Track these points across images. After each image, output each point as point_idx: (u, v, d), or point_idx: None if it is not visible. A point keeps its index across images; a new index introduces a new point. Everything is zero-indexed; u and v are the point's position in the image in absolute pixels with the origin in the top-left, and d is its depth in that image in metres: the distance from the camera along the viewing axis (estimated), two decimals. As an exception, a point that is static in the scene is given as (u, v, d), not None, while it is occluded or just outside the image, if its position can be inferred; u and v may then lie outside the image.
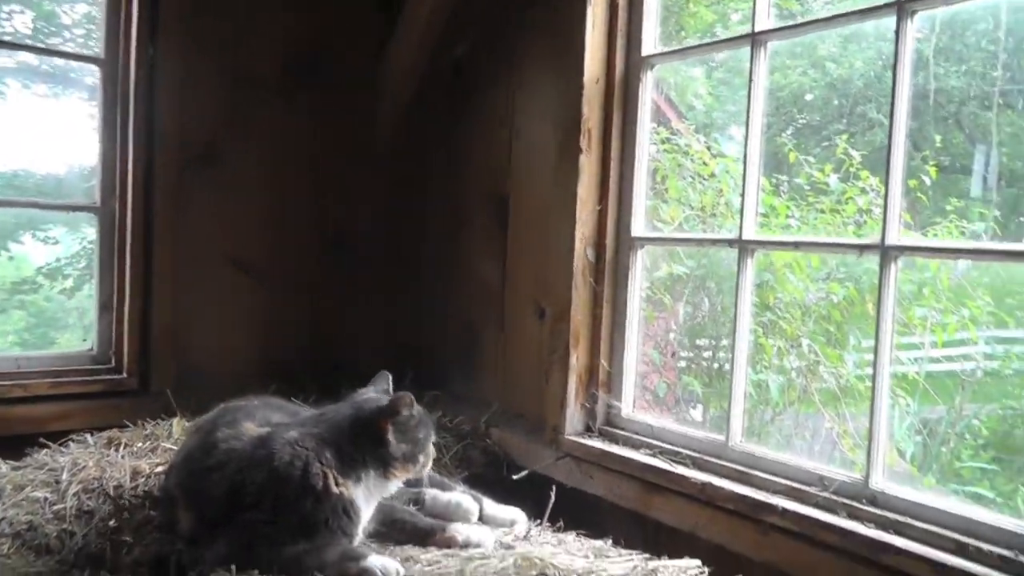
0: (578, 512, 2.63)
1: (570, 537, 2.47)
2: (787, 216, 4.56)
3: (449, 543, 2.30)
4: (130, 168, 3.22)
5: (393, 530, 2.32)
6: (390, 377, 2.41)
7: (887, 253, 2.17)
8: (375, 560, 2.09)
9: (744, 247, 2.52)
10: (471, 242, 3.49)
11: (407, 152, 3.74)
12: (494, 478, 2.94)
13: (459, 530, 2.32)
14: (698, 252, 3.79)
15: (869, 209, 4.54)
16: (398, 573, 2.08)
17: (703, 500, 2.47)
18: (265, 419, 2.35)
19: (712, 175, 4.61)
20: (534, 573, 2.12)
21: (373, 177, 3.69)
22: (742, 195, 2.52)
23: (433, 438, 2.31)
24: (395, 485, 2.26)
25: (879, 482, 2.21)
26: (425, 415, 2.32)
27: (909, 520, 2.10)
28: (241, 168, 3.45)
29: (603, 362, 2.90)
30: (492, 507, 2.54)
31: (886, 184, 2.16)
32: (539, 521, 2.56)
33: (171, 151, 3.26)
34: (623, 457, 2.70)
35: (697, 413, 4.69)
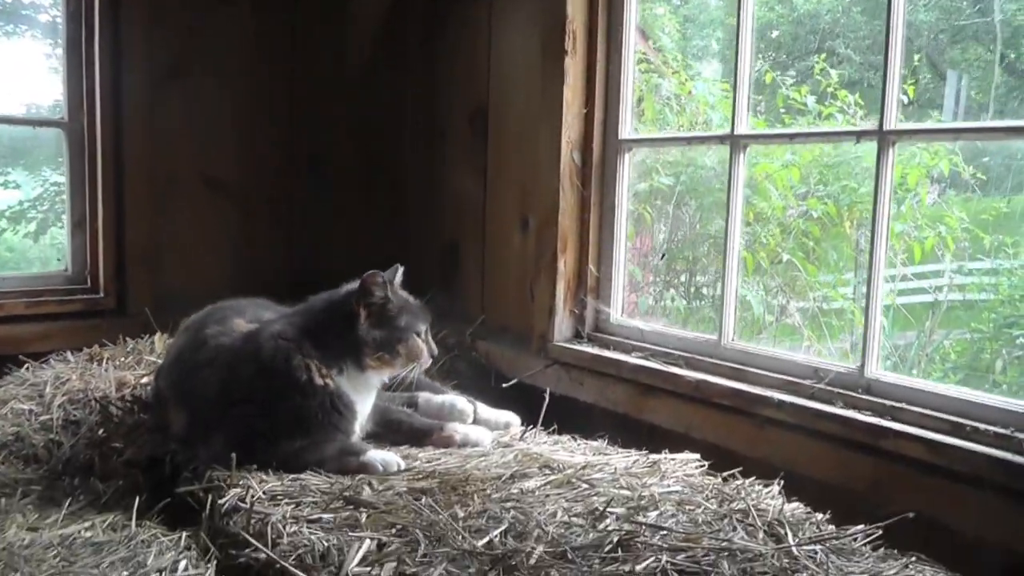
0: (569, 419, 2.62)
1: (565, 438, 2.47)
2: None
3: (447, 442, 2.28)
4: (97, 85, 3.10)
5: (389, 431, 2.30)
6: (401, 269, 2.35)
7: (885, 138, 2.15)
8: (375, 454, 2.07)
9: (736, 143, 2.49)
10: (451, 156, 3.42)
11: (384, 67, 3.64)
12: (482, 389, 2.92)
13: (457, 429, 2.31)
14: (681, 161, 3.75)
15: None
16: (399, 467, 2.07)
17: (698, 399, 2.47)
18: (256, 316, 2.31)
19: (690, 94, 4.56)
20: (536, 467, 2.12)
21: (349, 94, 3.58)
22: (733, 88, 2.48)
23: (423, 331, 2.25)
24: (376, 378, 2.21)
25: (874, 370, 2.22)
26: (414, 304, 2.27)
27: (904, 405, 2.11)
28: (212, 86, 3.34)
29: (591, 267, 2.87)
30: (486, 410, 2.52)
31: (884, 68, 2.13)
32: (532, 425, 2.56)
33: (139, 69, 3.14)
34: (615, 360, 2.69)
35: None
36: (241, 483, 1.92)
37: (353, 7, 3.58)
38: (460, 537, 1.68)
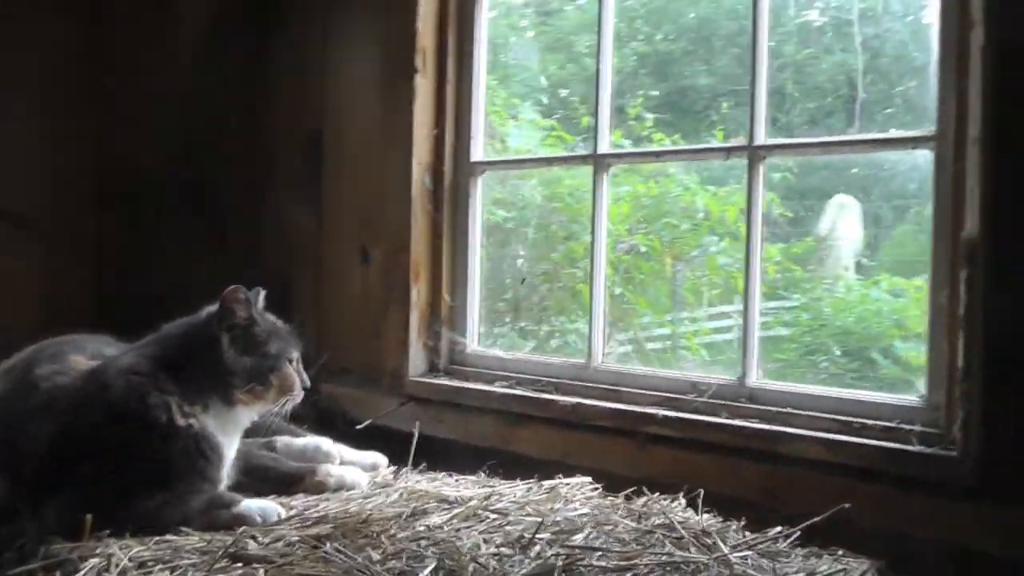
0: (430, 458, 2.41)
1: (441, 475, 2.27)
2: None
3: (320, 487, 2.01)
4: None
5: (254, 479, 1.99)
6: (263, 293, 2.07)
7: (755, 153, 2.20)
8: (251, 504, 1.78)
9: (600, 162, 2.46)
10: (282, 186, 3.15)
11: (205, 90, 3.32)
12: (328, 434, 2.65)
13: (331, 471, 2.05)
14: (516, 198, 3.68)
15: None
16: (279, 515, 1.78)
17: (574, 423, 2.37)
18: (97, 353, 1.94)
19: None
20: (431, 502, 1.91)
21: (168, 116, 3.23)
22: (595, 107, 2.45)
23: (295, 358, 1.99)
24: (245, 415, 1.92)
25: (755, 379, 2.23)
26: (283, 327, 2.01)
27: (791, 410, 2.12)
28: (5, 104, 2.89)
29: (446, 296, 2.71)
30: (351, 452, 2.28)
31: (752, 88, 2.18)
32: (398, 466, 2.34)
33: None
34: (480, 391, 2.53)
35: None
36: (98, 552, 1.56)
37: (171, 24, 3.26)
38: (390, 579, 1.45)
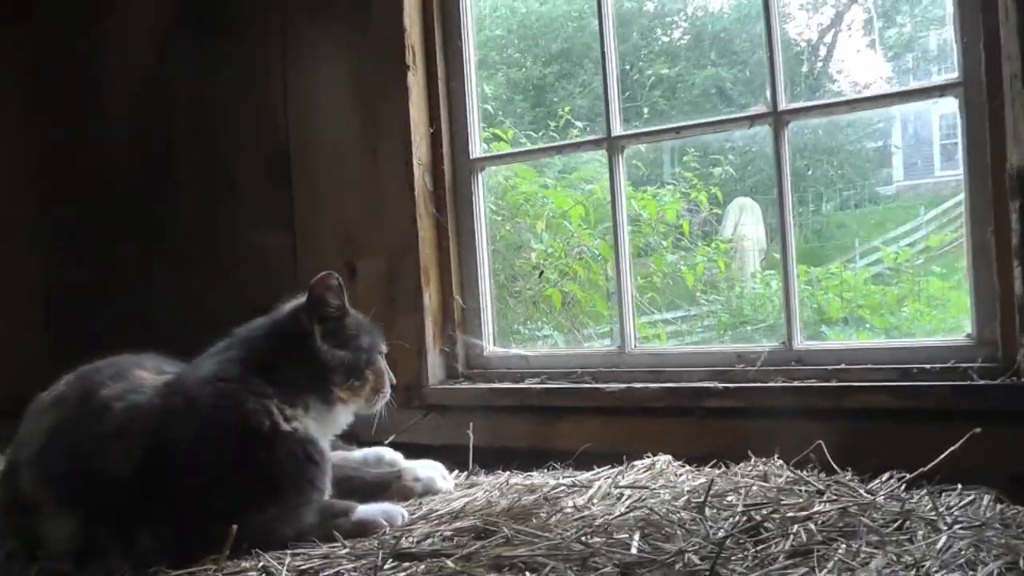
0: (462, 469, 2.30)
1: (506, 474, 2.16)
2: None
3: (407, 492, 1.89)
4: None
5: (339, 489, 1.81)
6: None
7: (779, 119, 2.26)
8: (371, 509, 1.63)
9: (614, 144, 2.45)
10: (245, 211, 2.94)
11: (152, 110, 3.07)
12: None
13: (418, 475, 1.91)
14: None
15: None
16: (403, 518, 1.64)
17: (621, 409, 2.32)
18: (158, 367, 1.71)
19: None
20: (548, 493, 1.79)
21: (109, 153, 2.96)
22: (604, 89, 2.44)
23: (384, 353, 1.85)
24: (343, 416, 1.78)
25: (801, 342, 2.26)
26: (367, 321, 1.86)
27: (844, 366, 2.17)
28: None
29: (457, 298, 2.60)
30: (405, 461, 2.12)
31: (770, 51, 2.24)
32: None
33: None
34: (512, 390, 2.45)
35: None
36: (245, 566, 1.37)
37: (107, 39, 3.00)
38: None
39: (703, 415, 2.24)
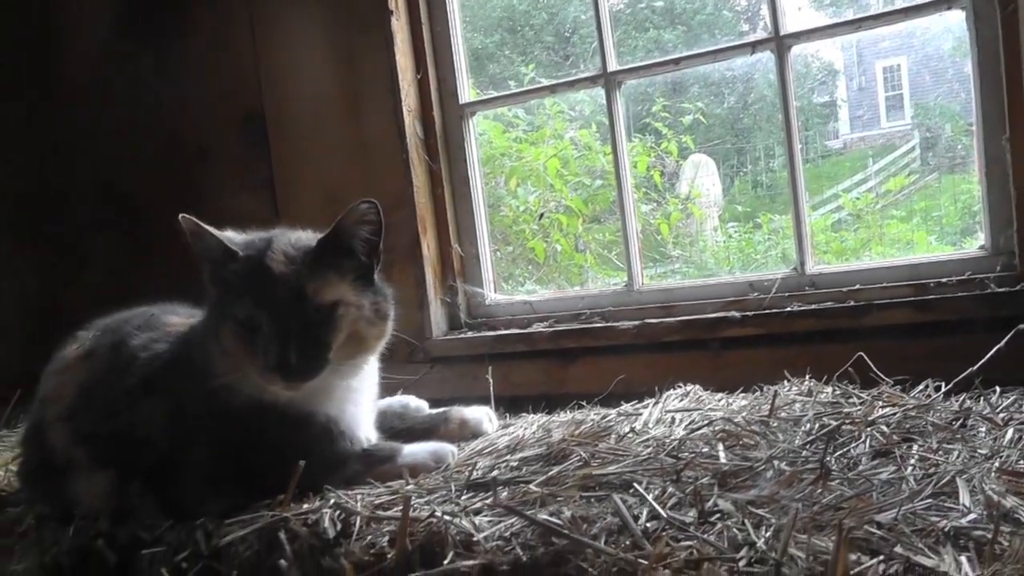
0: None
1: (537, 416, 2.09)
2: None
3: (455, 435, 1.80)
4: None
5: (386, 434, 1.73)
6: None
7: (781, 43, 2.23)
8: (417, 449, 1.56)
9: (611, 80, 2.39)
10: (219, 176, 2.80)
11: (114, 80, 2.91)
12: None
13: (466, 418, 1.84)
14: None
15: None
16: (454, 455, 1.56)
17: (637, 346, 2.27)
18: (188, 313, 1.60)
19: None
20: (593, 426, 1.72)
21: (74, 129, 2.81)
22: (596, 22, 2.38)
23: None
24: (375, 357, 1.69)
25: (813, 266, 2.25)
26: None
27: (860, 287, 2.16)
28: None
29: (456, 247, 2.52)
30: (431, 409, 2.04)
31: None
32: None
33: None
34: (521, 335, 2.38)
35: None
36: (312, 507, 1.28)
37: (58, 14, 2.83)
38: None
39: (721, 346, 2.22)
